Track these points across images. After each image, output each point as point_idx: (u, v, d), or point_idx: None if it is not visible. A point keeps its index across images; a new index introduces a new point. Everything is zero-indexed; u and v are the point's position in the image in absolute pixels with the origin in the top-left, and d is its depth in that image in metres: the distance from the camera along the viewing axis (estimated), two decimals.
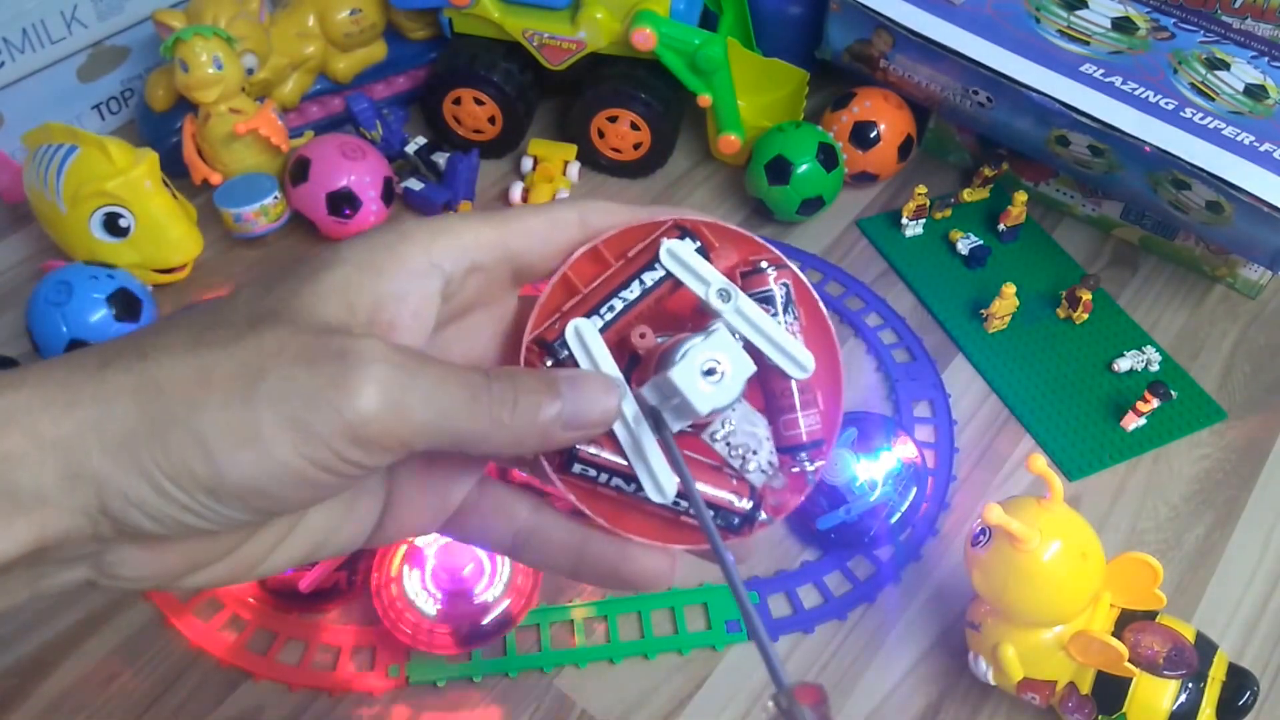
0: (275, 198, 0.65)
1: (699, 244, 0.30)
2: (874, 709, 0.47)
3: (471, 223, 0.29)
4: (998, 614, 0.43)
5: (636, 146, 0.70)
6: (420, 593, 0.47)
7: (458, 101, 0.70)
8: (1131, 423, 0.58)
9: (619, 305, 0.30)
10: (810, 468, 0.32)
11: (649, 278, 0.30)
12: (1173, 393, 0.57)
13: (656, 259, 0.30)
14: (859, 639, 0.50)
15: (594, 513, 0.30)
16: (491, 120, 0.71)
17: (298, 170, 0.64)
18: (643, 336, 0.30)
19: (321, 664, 0.48)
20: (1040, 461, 0.42)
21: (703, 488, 0.30)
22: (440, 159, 0.69)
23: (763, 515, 0.31)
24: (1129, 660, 0.40)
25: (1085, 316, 0.63)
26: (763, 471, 0.31)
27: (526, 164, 0.71)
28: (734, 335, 0.29)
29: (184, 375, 0.24)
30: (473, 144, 0.72)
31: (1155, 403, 0.57)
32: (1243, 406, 0.60)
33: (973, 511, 0.55)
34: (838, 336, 0.32)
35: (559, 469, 0.29)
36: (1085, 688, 0.43)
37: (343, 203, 0.64)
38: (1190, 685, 0.42)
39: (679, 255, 0.29)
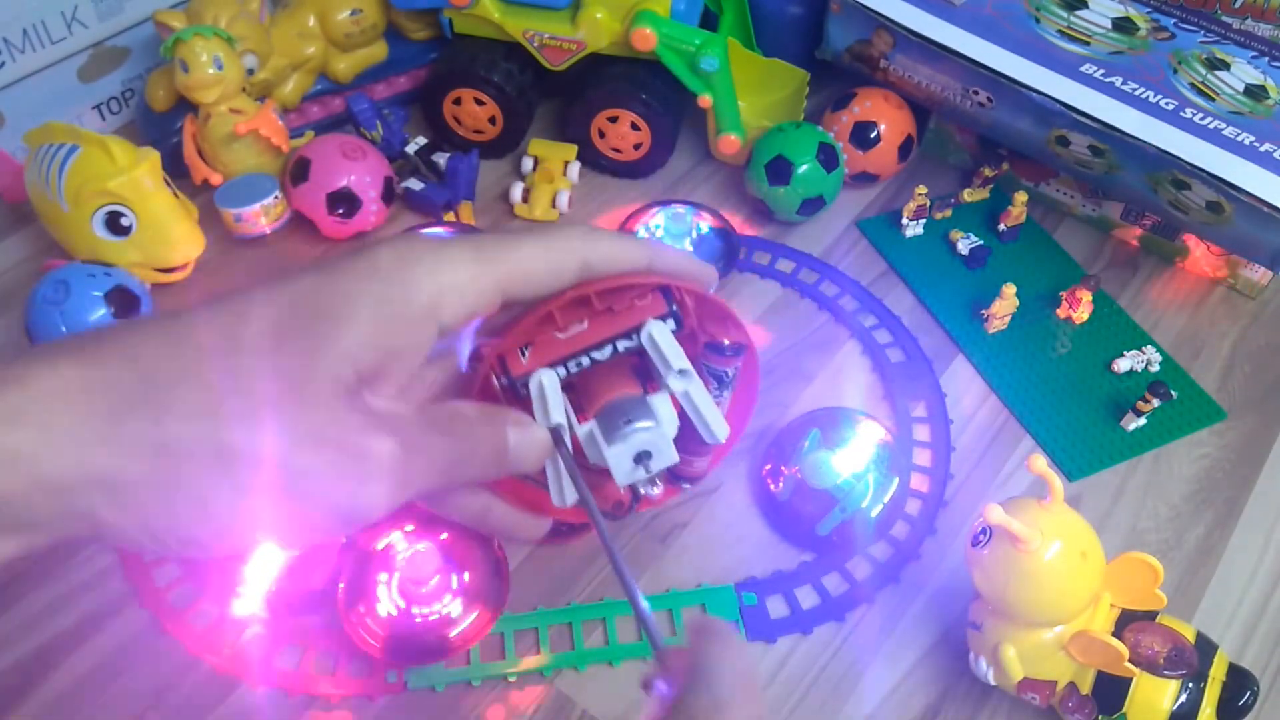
0: (276, 198, 0.65)
1: (677, 319, 0.34)
2: (874, 709, 0.47)
3: (478, 265, 0.30)
4: (998, 614, 0.43)
5: (637, 147, 0.70)
6: (385, 600, 0.46)
7: (458, 102, 0.70)
8: (1131, 423, 0.58)
9: (586, 362, 0.33)
10: (687, 489, 0.39)
11: (622, 346, 0.33)
12: (1173, 393, 0.57)
13: (634, 331, 0.33)
14: (858, 640, 0.50)
15: (499, 488, 0.35)
16: (492, 120, 0.71)
17: (298, 170, 0.64)
18: (599, 348, 0.33)
19: (320, 669, 0.47)
20: (1040, 462, 0.42)
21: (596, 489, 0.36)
22: (440, 159, 0.69)
23: (635, 510, 0.37)
24: (1129, 660, 0.40)
25: (1085, 316, 0.63)
26: (649, 486, 0.37)
27: (527, 164, 0.71)
28: (670, 398, 0.33)
29: (200, 451, 0.25)
30: (473, 144, 0.72)
31: (1155, 403, 0.57)
32: (1243, 406, 0.60)
33: (973, 512, 0.55)
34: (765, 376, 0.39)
35: None
36: (1085, 688, 0.43)
37: (343, 203, 0.64)
38: (1190, 685, 0.42)
39: (656, 338, 0.33)
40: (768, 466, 0.54)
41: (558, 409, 0.32)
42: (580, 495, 0.32)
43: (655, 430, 0.32)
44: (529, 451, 0.31)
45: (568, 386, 0.33)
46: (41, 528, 0.24)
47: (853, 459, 0.52)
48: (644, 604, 0.29)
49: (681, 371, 0.33)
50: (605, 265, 0.32)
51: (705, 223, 0.64)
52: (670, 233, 0.64)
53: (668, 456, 0.33)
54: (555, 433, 0.32)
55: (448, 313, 0.29)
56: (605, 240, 0.32)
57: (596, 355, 0.33)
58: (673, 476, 0.39)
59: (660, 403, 0.33)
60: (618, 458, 0.32)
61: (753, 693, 0.27)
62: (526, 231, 0.32)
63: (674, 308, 0.33)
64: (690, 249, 0.63)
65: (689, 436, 0.35)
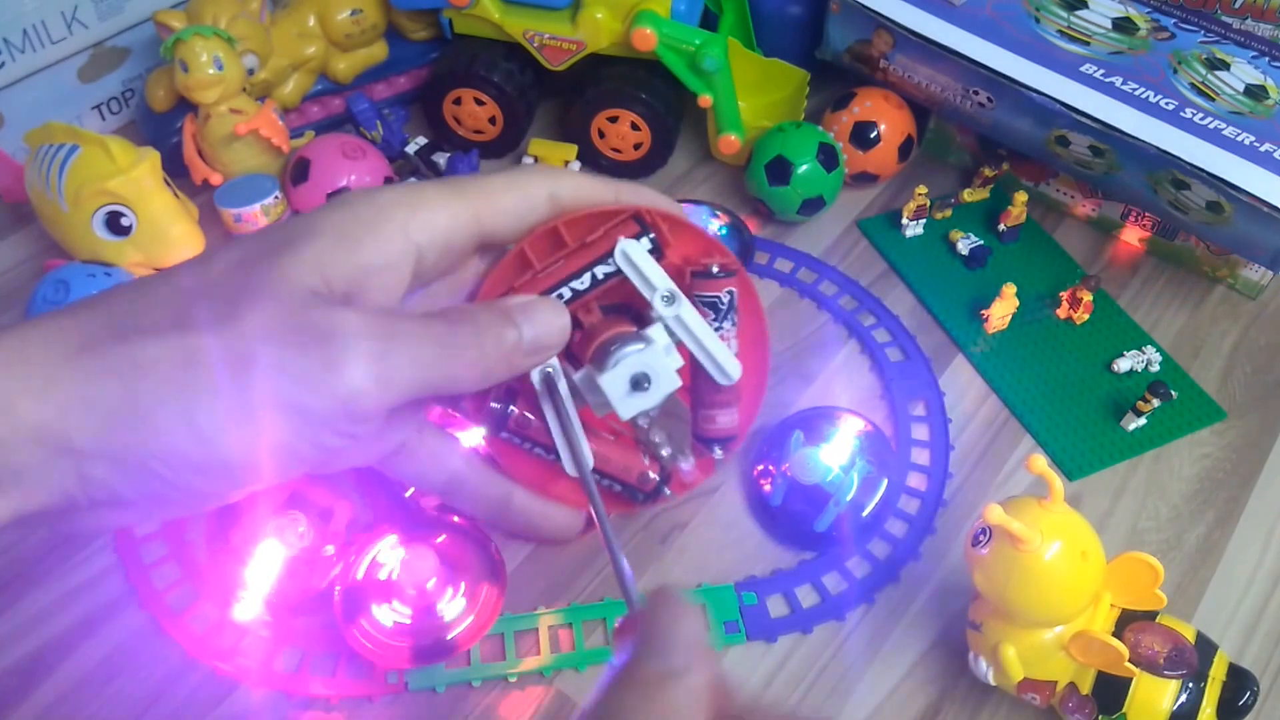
0: (276, 198, 0.65)
1: (654, 242, 0.32)
2: (874, 709, 0.47)
3: (447, 199, 0.29)
4: (998, 614, 0.43)
5: (637, 147, 0.70)
6: (382, 602, 0.46)
7: (458, 102, 0.70)
8: (1131, 423, 0.58)
9: (568, 294, 0.32)
10: (719, 455, 0.35)
11: (600, 271, 0.32)
12: (1173, 393, 0.57)
13: (610, 254, 0.31)
14: (858, 639, 0.50)
15: (517, 473, 0.33)
16: (492, 120, 0.71)
17: (298, 170, 0.64)
18: (589, 311, 0.31)
19: (320, 670, 0.47)
20: (1040, 461, 0.42)
21: (617, 460, 0.34)
22: (441, 159, 0.69)
23: (667, 491, 0.34)
24: (1129, 660, 0.40)
25: (1085, 317, 0.63)
26: (675, 454, 0.34)
27: (527, 164, 0.71)
28: (671, 336, 0.31)
29: (170, 357, 0.24)
30: (473, 144, 0.72)
31: (1155, 403, 0.57)
32: (1243, 406, 0.60)
33: (973, 511, 0.55)
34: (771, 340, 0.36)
35: (491, 433, 0.32)
36: (1085, 688, 0.43)
37: None
38: (1190, 685, 0.42)
39: (631, 257, 0.31)
40: (759, 468, 0.54)
41: (552, 359, 0.31)
42: (569, 444, 0.30)
43: (647, 350, 0.30)
44: (541, 316, 0.29)
45: (566, 355, 0.32)
46: (30, 478, 0.23)
47: (836, 450, 0.52)
48: (624, 563, 0.28)
49: (667, 295, 0.31)
50: (573, 198, 0.31)
51: (720, 222, 0.64)
52: None
53: (668, 380, 0.31)
54: (550, 379, 0.31)
55: (422, 236, 0.28)
56: (571, 175, 0.32)
57: (576, 284, 0.32)
58: (701, 443, 0.35)
59: (654, 331, 0.31)
60: (612, 384, 0.30)
61: (706, 662, 0.26)
62: (491, 173, 0.32)
63: (648, 231, 0.32)
64: None
65: (704, 388, 0.34)
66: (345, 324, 0.26)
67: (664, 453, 0.34)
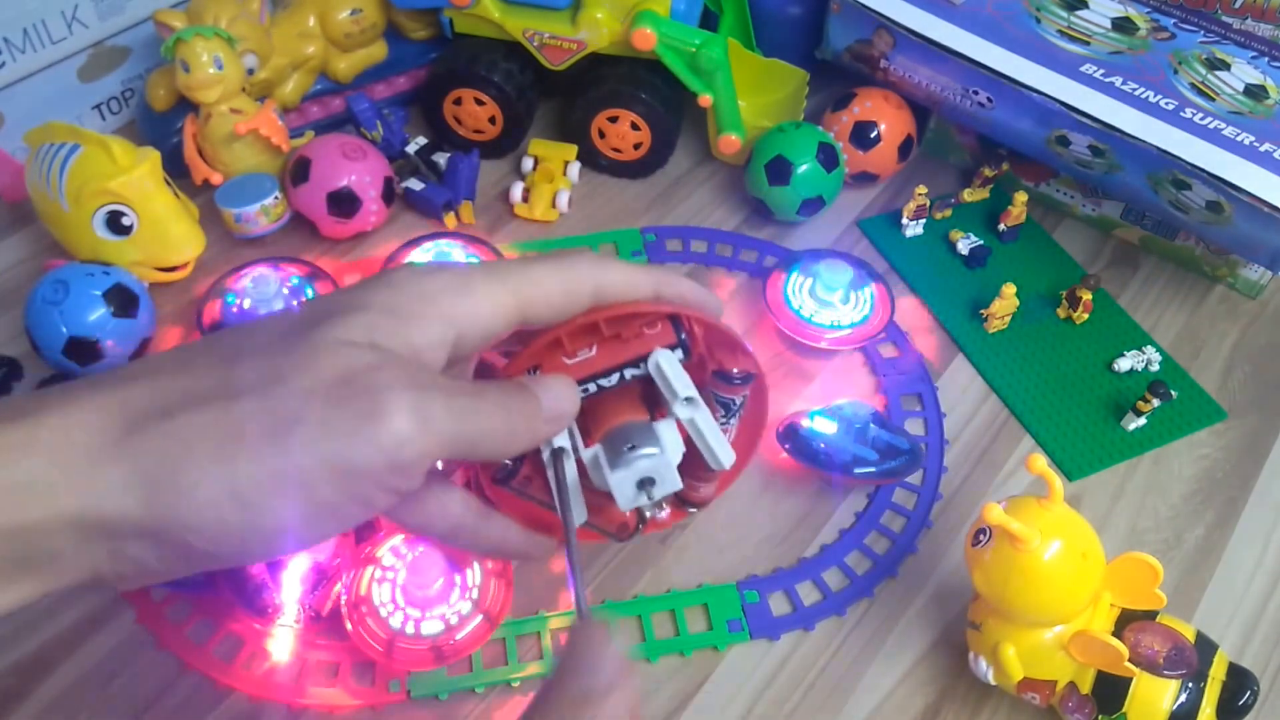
0: (276, 198, 0.65)
1: (684, 347, 0.34)
2: (874, 709, 0.48)
3: (492, 288, 0.30)
4: (998, 614, 0.43)
5: (637, 146, 0.70)
6: (388, 605, 0.46)
7: (458, 102, 0.70)
8: (1131, 423, 0.58)
9: (593, 389, 0.33)
10: (693, 511, 0.40)
11: (629, 374, 0.33)
12: (1173, 393, 0.57)
13: (642, 359, 0.33)
14: (859, 637, 0.50)
15: (512, 512, 0.35)
16: (492, 120, 0.71)
17: (298, 170, 0.64)
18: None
19: (322, 679, 0.47)
20: (1040, 461, 0.42)
21: (603, 513, 0.37)
22: (441, 159, 0.69)
23: (640, 532, 0.37)
24: (1129, 660, 0.40)
25: (1085, 316, 0.63)
26: (655, 511, 0.38)
27: (527, 164, 0.71)
28: (676, 424, 0.34)
29: (215, 430, 0.24)
30: (473, 144, 0.72)
31: (1155, 403, 0.57)
32: (1243, 406, 0.60)
33: (972, 511, 0.55)
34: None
35: (496, 483, 0.35)
36: (1085, 688, 0.43)
37: (343, 203, 0.64)
38: (1190, 685, 0.42)
39: (663, 367, 0.33)
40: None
41: (562, 433, 0.33)
42: (561, 510, 0.32)
43: (659, 457, 0.32)
44: (556, 390, 0.31)
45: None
46: (63, 560, 0.23)
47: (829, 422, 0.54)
48: (583, 586, 0.31)
49: (688, 399, 0.33)
50: (615, 292, 0.32)
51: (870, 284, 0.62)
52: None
53: (671, 483, 0.33)
54: (559, 454, 0.33)
55: (465, 327, 0.29)
56: (616, 268, 0.32)
57: (604, 383, 0.33)
58: (679, 501, 0.39)
59: (666, 430, 0.33)
60: (621, 483, 0.32)
61: (624, 686, 0.27)
62: (539, 258, 0.32)
63: (682, 336, 0.33)
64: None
65: (695, 463, 0.35)
66: (385, 377, 0.26)
67: (646, 514, 0.37)
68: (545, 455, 0.33)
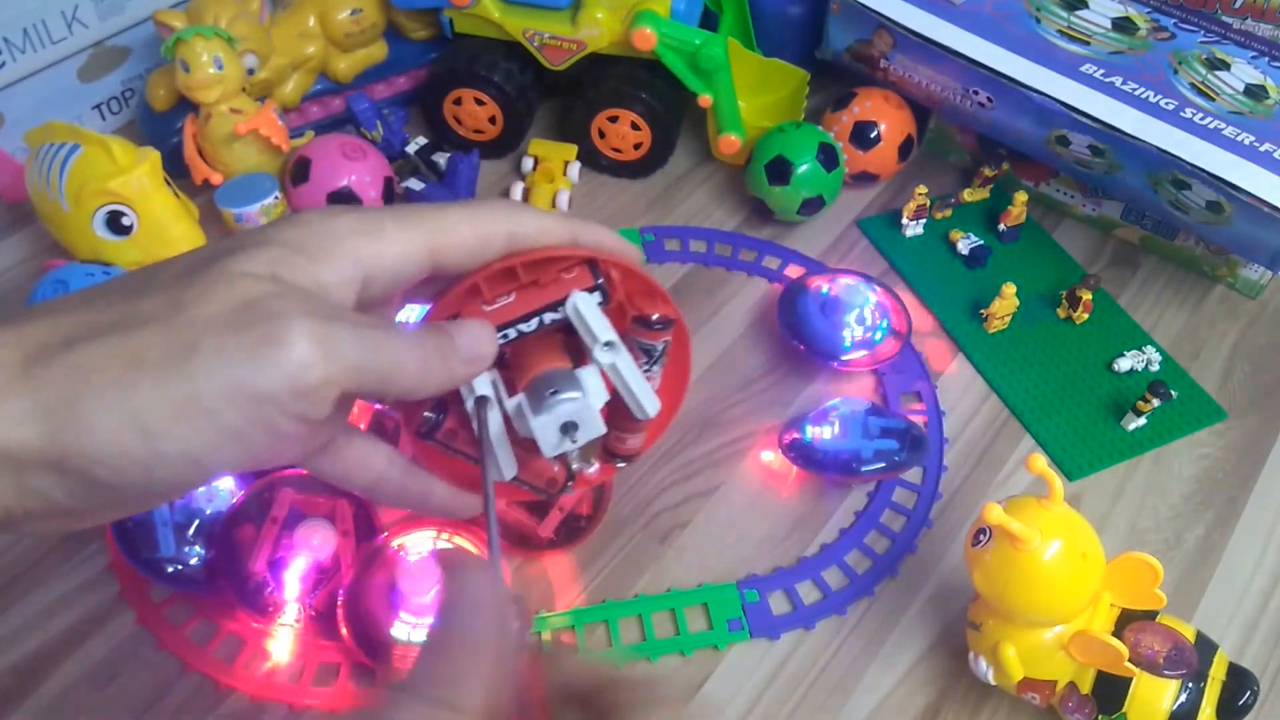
0: (276, 198, 0.65)
1: (604, 292, 0.34)
2: (874, 708, 0.48)
3: (401, 230, 0.30)
4: (998, 614, 0.43)
5: (637, 146, 0.70)
6: (384, 612, 0.46)
7: (458, 101, 0.70)
8: (1131, 423, 0.58)
9: (512, 334, 0.33)
10: (621, 465, 0.39)
11: (548, 318, 0.33)
12: (1173, 393, 0.57)
13: (560, 303, 0.33)
14: (860, 636, 0.50)
15: (437, 469, 0.35)
16: (492, 120, 0.71)
17: (298, 170, 0.64)
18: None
19: (320, 680, 0.47)
20: (1040, 461, 0.42)
21: (530, 467, 0.37)
22: (441, 159, 0.69)
23: (570, 488, 0.37)
24: (1129, 660, 0.40)
25: (1085, 316, 0.63)
26: (583, 464, 0.38)
27: (527, 164, 0.71)
28: (600, 372, 0.33)
29: (115, 360, 0.24)
30: (473, 144, 0.72)
31: (1155, 403, 0.57)
32: (1243, 406, 0.60)
33: (972, 511, 0.55)
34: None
35: (419, 438, 0.35)
36: (1085, 688, 0.43)
37: (343, 202, 0.64)
38: (1190, 685, 0.42)
39: (581, 310, 0.33)
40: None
41: (484, 383, 0.32)
42: (482, 455, 0.32)
43: (581, 401, 0.32)
44: (474, 333, 0.31)
45: (498, 363, 0.34)
46: None
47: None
48: (496, 532, 0.30)
49: (608, 344, 0.33)
50: (530, 239, 0.32)
51: (878, 297, 0.61)
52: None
53: (594, 428, 0.33)
54: (482, 402, 0.32)
55: (373, 266, 0.29)
56: (530, 214, 0.32)
57: (523, 327, 0.33)
58: (608, 454, 0.39)
59: (588, 375, 0.33)
60: (543, 428, 0.32)
61: (493, 624, 0.26)
62: (453, 204, 0.32)
63: (600, 281, 0.33)
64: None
65: (622, 415, 0.35)
66: (286, 305, 0.26)
67: (574, 465, 0.37)
68: (469, 406, 0.33)
